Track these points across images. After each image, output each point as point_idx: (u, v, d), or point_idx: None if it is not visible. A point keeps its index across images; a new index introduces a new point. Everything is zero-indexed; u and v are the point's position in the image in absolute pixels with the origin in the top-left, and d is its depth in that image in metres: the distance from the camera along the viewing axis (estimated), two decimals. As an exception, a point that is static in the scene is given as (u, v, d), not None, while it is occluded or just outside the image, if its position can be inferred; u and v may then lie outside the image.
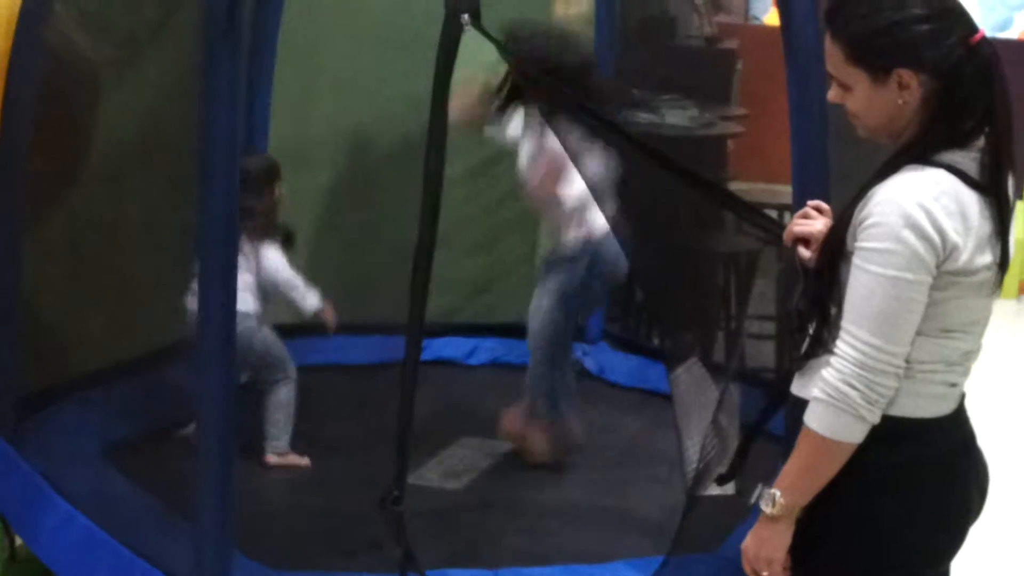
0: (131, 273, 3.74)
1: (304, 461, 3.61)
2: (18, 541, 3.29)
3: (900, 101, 1.93)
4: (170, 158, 3.64)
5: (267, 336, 3.66)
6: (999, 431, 3.60)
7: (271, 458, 3.59)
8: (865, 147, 2.11)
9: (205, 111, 2.56)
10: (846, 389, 1.88)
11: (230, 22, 2.52)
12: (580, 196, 3.35)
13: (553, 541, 3.20)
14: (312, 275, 3.84)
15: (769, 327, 4.06)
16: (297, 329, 4.08)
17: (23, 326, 3.35)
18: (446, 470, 3.61)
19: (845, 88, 1.97)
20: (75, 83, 3.49)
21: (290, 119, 4.33)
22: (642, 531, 3.19)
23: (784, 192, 3.43)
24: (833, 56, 1.97)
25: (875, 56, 1.92)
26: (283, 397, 3.62)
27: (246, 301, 3.41)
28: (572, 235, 3.53)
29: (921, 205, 1.85)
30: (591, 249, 3.50)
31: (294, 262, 3.79)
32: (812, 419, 1.92)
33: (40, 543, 3.03)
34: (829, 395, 1.89)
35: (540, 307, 3.60)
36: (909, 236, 1.85)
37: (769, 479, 1.99)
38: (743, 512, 2.39)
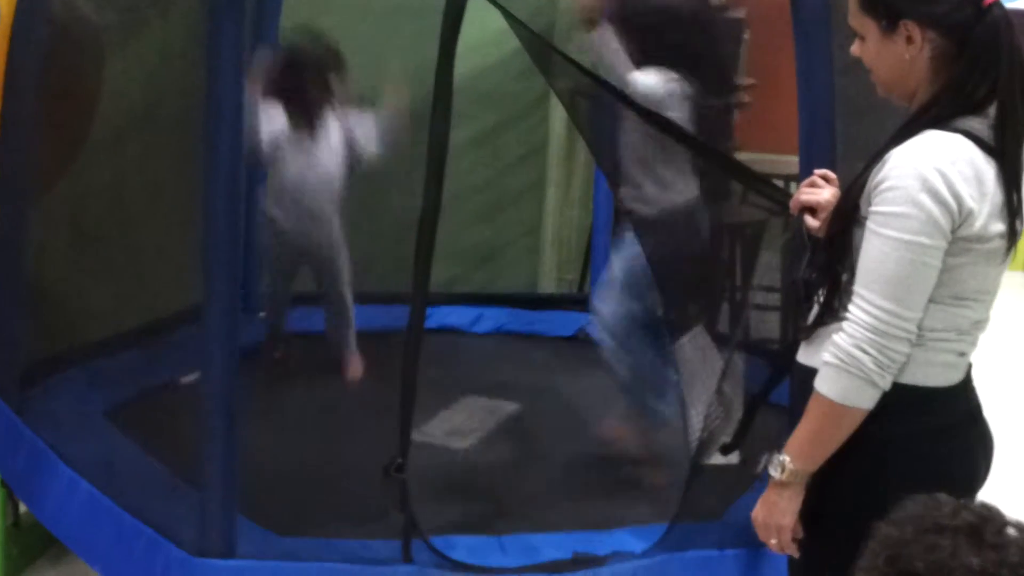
0: (136, 242, 3.74)
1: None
2: (22, 508, 3.30)
3: (907, 56, 1.92)
4: (174, 126, 3.63)
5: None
6: (1006, 402, 3.60)
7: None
8: (872, 118, 2.10)
9: (209, 78, 2.55)
10: (858, 354, 1.87)
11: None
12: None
13: (558, 508, 3.20)
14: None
15: (775, 298, 4.05)
16: (302, 298, 4.09)
17: (28, 296, 3.35)
18: (451, 428, 3.60)
19: (861, 39, 1.98)
20: (79, 51, 3.48)
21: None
22: (648, 499, 3.19)
23: (791, 162, 3.42)
24: (851, 5, 1.98)
25: (883, 5, 1.92)
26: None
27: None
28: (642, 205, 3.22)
29: (938, 169, 1.84)
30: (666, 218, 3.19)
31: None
32: (823, 384, 1.91)
33: (45, 510, 3.05)
34: (841, 360, 1.89)
35: (608, 292, 3.30)
36: (926, 200, 1.84)
37: (774, 448, 1.99)
38: (748, 480, 2.40)
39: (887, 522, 1.17)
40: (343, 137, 3.89)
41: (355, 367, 4.01)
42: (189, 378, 3.29)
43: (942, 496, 1.20)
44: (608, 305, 3.33)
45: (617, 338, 3.28)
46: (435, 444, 3.48)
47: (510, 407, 3.74)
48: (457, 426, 3.63)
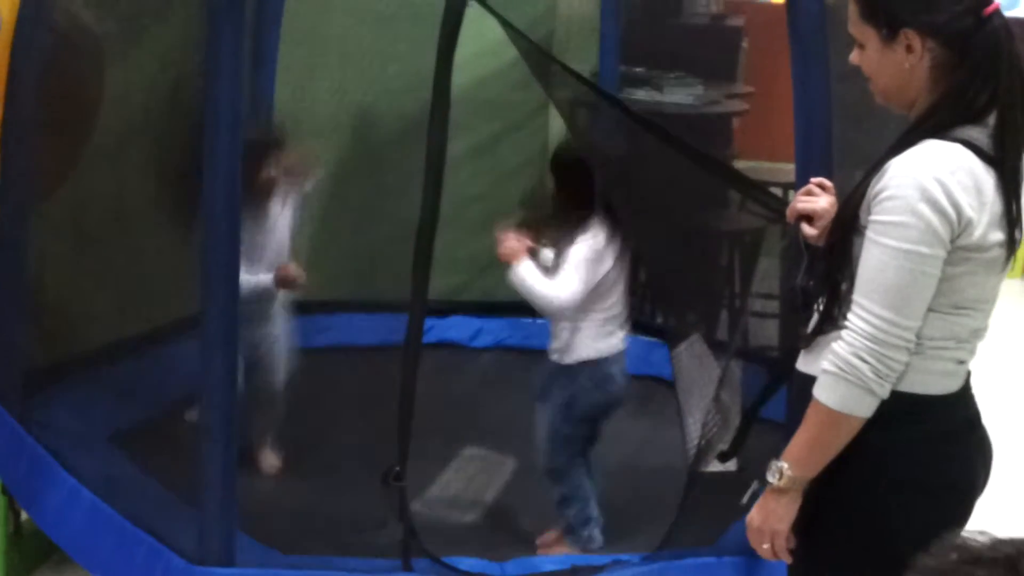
0: (137, 250, 3.75)
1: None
2: (23, 516, 3.30)
3: (907, 65, 1.92)
4: (175, 134, 3.64)
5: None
6: (1005, 410, 3.60)
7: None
8: (869, 125, 2.10)
9: (208, 86, 2.56)
10: (857, 362, 1.88)
11: (233, -1, 2.52)
12: (565, 300, 3.05)
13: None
14: (316, 252, 3.84)
15: (772, 306, 4.06)
16: (302, 307, 4.08)
17: (30, 304, 3.35)
18: (452, 499, 3.47)
19: (861, 48, 1.98)
20: (79, 59, 3.49)
21: (295, 95, 4.32)
22: (646, 519, 3.17)
23: (789, 171, 3.42)
24: (851, 13, 1.98)
25: (883, 13, 1.93)
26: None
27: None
28: (561, 344, 3.17)
29: (937, 179, 1.85)
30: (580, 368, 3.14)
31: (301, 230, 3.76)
32: (822, 392, 1.92)
33: (46, 518, 3.05)
34: (840, 368, 1.89)
35: (544, 423, 3.19)
36: (925, 209, 1.84)
37: (772, 457, 1.99)
38: (740, 509, 2.38)
39: (926, 554, 1.18)
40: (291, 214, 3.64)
41: (271, 462, 3.62)
42: (192, 413, 3.25)
43: (982, 530, 1.21)
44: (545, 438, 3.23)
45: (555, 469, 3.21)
46: (434, 516, 3.33)
47: (508, 464, 3.61)
48: (458, 495, 3.50)
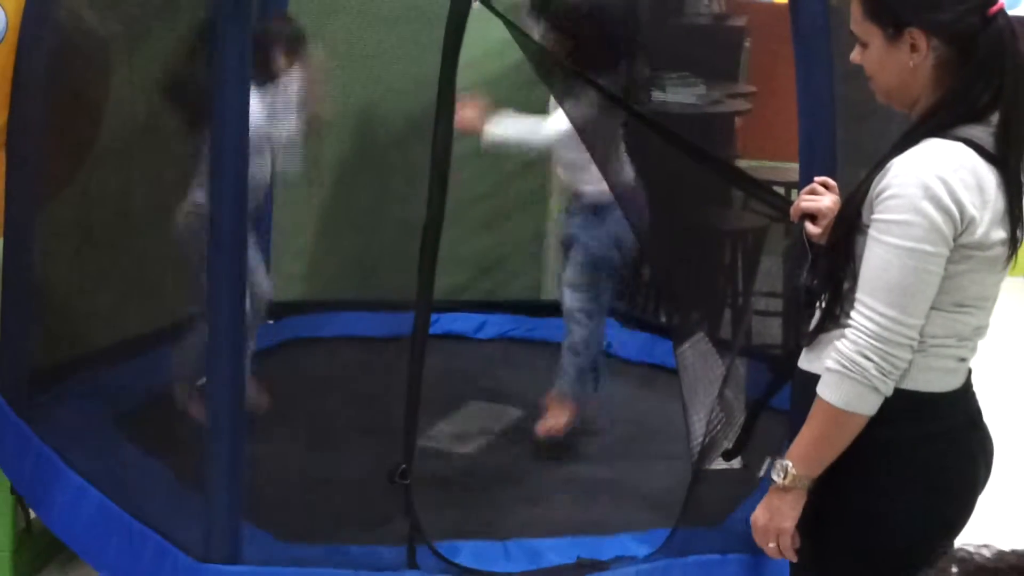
0: (143, 249, 3.76)
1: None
2: (32, 515, 3.32)
3: (911, 63, 1.93)
4: (180, 136, 3.65)
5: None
6: (1007, 407, 3.61)
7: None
8: (872, 125, 2.11)
9: (214, 89, 2.57)
10: (861, 360, 1.89)
11: (237, 0, 2.53)
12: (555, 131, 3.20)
13: (561, 513, 3.22)
14: (321, 252, 3.85)
15: (776, 304, 4.07)
16: (305, 307, 4.10)
17: (36, 303, 3.36)
18: (455, 433, 3.60)
19: (863, 46, 1.99)
20: (85, 60, 3.50)
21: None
22: (650, 504, 3.20)
23: (792, 170, 3.43)
24: (854, 11, 1.99)
25: (888, 12, 1.93)
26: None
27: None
28: (590, 189, 3.34)
29: (940, 177, 1.86)
30: (611, 206, 3.27)
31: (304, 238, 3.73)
32: (826, 390, 1.93)
33: (54, 517, 3.06)
34: (844, 366, 1.90)
35: (569, 279, 3.43)
36: (928, 208, 1.85)
37: (776, 454, 2.00)
38: (749, 486, 2.41)
39: (935, 569, 1.19)
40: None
41: (258, 400, 3.48)
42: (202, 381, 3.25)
43: (986, 543, 1.22)
44: (570, 294, 3.44)
45: (582, 296, 3.39)
46: (439, 448, 3.49)
47: (514, 412, 3.75)
48: (461, 431, 3.63)
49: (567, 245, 3.47)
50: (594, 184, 3.26)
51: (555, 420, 3.50)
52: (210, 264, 2.63)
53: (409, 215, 2.79)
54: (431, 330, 2.68)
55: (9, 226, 3.30)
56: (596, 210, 3.42)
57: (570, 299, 3.44)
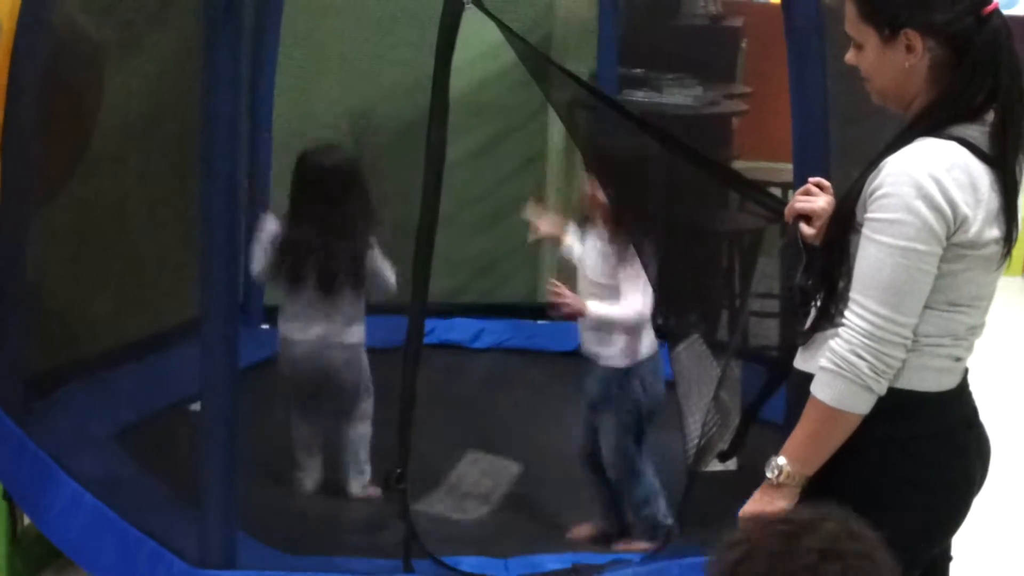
0: (137, 254, 3.75)
1: (378, 492, 3.36)
2: (25, 521, 3.31)
3: (907, 64, 1.93)
4: (173, 140, 3.65)
5: (366, 362, 3.45)
6: (1003, 407, 3.60)
7: (356, 490, 3.42)
8: (866, 125, 2.11)
9: (206, 93, 2.57)
10: (854, 359, 1.89)
11: (230, 5, 2.53)
12: (642, 312, 3.13)
13: (559, 530, 3.22)
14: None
15: (772, 305, 4.06)
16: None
17: (31, 308, 3.36)
18: (456, 501, 3.46)
19: (858, 48, 1.98)
20: (79, 65, 3.50)
21: (294, 100, 4.33)
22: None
23: (788, 171, 3.43)
24: (849, 13, 1.98)
25: (884, 14, 1.93)
26: (365, 431, 3.42)
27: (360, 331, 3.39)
28: (619, 350, 3.21)
29: (933, 176, 1.86)
30: (638, 369, 3.21)
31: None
32: (819, 389, 1.93)
33: (48, 523, 3.06)
34: (837, 365, 1.90)
35: (608, 447, 3.24)
36: (920, 207, 1.85)
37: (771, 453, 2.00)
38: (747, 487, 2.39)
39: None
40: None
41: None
42: (196, 405, 3.24)
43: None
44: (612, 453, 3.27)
45: (628, 455, 3.25)
46: (441, 518, 3.33)
47: (513, 468, 3.61)
48: (459, 497, 3.48)
49: (593, 408, 3.29)
50: (616, 347, 3.20)
51: (638, 546, 3.26)
52: (202, 270, 2.62)
53: (404, 218, 2.78)
54: (427, 340, 2.66)
55: (3, 231, 3.29)
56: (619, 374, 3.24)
57: (618, 461, 3.25)
